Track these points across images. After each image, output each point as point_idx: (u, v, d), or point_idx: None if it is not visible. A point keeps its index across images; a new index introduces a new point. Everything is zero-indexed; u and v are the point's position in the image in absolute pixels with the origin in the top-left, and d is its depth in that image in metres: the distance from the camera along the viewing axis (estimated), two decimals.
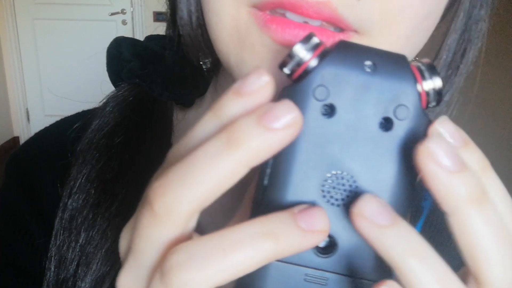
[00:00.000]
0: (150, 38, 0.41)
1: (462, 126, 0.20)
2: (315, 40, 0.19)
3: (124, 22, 3.15)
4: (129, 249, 0.19)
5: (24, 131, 3.35)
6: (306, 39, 0.19)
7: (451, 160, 0.17)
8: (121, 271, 0.19)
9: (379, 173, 0.18)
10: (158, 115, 0.37)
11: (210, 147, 0.17)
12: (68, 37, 3.15)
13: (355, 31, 0.24)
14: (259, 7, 0.24)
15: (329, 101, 0.18)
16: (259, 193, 0.19)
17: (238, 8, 0.25)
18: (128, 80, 0.37)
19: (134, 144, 0.35)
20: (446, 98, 0.34)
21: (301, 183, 0.18)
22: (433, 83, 0.19)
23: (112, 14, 3.09)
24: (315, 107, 0.18)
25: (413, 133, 0.18)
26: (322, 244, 0.19)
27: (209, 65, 0.33)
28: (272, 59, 0.24)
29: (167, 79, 0.36)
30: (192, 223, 0.18)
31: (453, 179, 0.17)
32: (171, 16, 0.35)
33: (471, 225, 0.17)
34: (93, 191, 0.34)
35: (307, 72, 0.18)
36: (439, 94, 0.19)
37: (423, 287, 0.16)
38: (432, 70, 0.19)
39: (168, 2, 0.36)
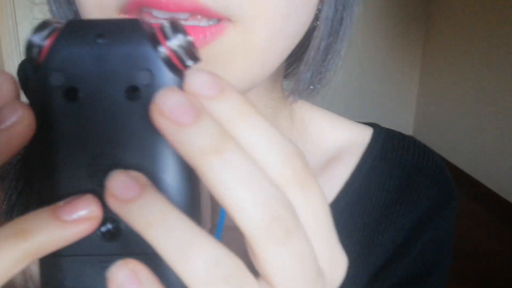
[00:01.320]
0: None
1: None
2: (53, 25, 0.18)
3: None
4: None
5: None
6: (41, 27, 0.18)
7: (182, 111, 0.16)
8: None
9: (141, 145, 0.17)
10: None
11: None
12: None
13: (229, 20, 0.23)
14: (126, 11, 0.23)
15: (69, 84, 0.17)
16: (31, 199, 0.18)
17: (108, 15, 0.24)
18: None
19: None
20: (330, 67, 0.33)
21: (68, 175, 0.18)
22: (177, 41, 0.18)
23: None
24: (56, 94, 0.17)
25: None
26: (105, 229, 0.18)
27: None
28: None
29: None
30: None
31: (186, 132, 0.16)
32: None
33: (212, 176, 0.16)
34: (14, 216, 0.34)
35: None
36: (188, 50, 0.18)
37: (170, 256, 0.16)
38: (175, 28, 0.18)
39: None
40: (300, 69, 0.32)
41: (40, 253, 0.16)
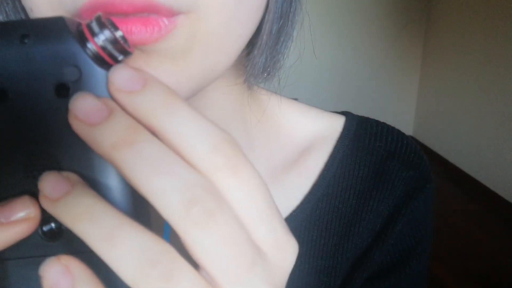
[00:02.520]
0: None
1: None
2: None
3: None
4: None
5: None
6: None
7: (93, 113, 0.16)
8: None
9: (75, 145, 0.18)
10: None
11: None
12: None
13: (181, 13, 0.23)
14: (79, 17, 0.23)
15: None
16: None
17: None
18: None
19: None
20: (283, 49, 0.33)
21: (6, 178, 0.18)
22: (104, 36, 0.18)
23: None
24: None
25: (94, 92, 0.17)
26: (46, 229, 0.18)
27: None
28: None
29: None
30: None
31: (97, 131, 0.16)
32: None
33: (127, 169, 0.16)
34: None
35: None
36: (116, 44, 0.18)
37: (98, 249, 0.16)
38: (101, 24, 0.18)
39: None
40: (254, 54, 0.32)
41: None
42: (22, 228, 0.17)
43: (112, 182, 0.18)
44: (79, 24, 0.18)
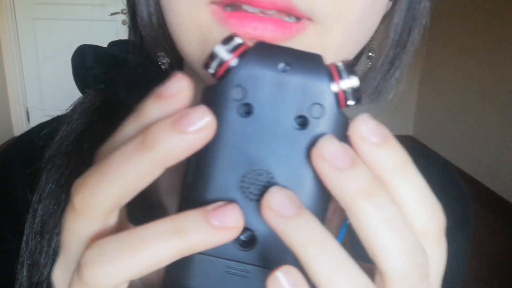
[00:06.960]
0: (112, 43, 0.42)
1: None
2: (237, 40, 0.19)
3: (124, 22, 3.13)
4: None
5: (24, 131, 3.35)
6: (227, 40, 0.19)
7: (340, 158, 0.17)
8: (55, 264, 0.21)
9: (295, 170, 0.19)
10: (124, 119, 0.37)
11: (126, 147, 0.18)
12: (68, 37, 3.15)
13: (309, 19, 0.25)
14: (217, 3, 0.25)
15: (246, 100, 0.19)
16: (184, 190, 0.20)
17: (196, 7, 0.25)
18: (93, 86, 0.38)
19: None
20: (396, 74, 0.35)
21: (220, 180, 0.19)
22: (350, 82, 0.19)
23: (112, 14, 3.08)
24: (233, 106, 0.19)
25: (329, 131, 0.19)
26: (243, 237, 0.19)
27: (167, 65, 0.35)
28: None
29: (131, 82, 0.37)
30: (113, 218, 0.19)
31: (343, 176, 0.17)
32: (131, 19, 0.36)
33: (365, 218, 0.17)
34: (63, 196, 0.34)
35: (228, 72, 0.19)
36: (357, 92, 0.19)
37: (321, 276, 0.17)
38: (349, 69, 0.19)
39: (128, 5, 0.36)
40: (368, 75, 0.34)
41: (191, 252, 0.18)
42: (228, 234, 0.18)
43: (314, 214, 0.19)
44: (326, 64, 0.19)
